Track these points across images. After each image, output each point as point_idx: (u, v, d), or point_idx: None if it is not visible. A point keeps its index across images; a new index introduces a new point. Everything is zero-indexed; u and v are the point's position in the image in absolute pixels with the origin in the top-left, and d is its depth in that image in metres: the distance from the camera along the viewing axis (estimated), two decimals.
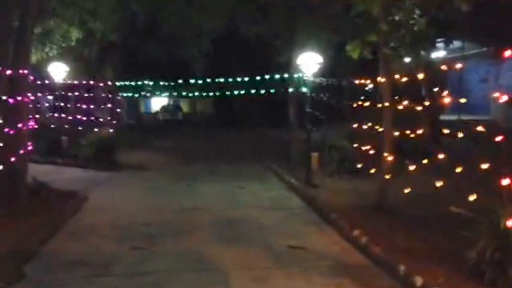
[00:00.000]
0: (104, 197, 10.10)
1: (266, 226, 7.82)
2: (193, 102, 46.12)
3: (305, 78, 11.45)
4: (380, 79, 8.32)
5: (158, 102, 46.96)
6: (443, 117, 16.49)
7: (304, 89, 11.80)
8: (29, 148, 8.96)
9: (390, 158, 8.14)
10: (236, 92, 16.68)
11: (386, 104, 8.37)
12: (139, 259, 6.06)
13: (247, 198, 10.20)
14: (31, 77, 9.44)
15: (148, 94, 20.09)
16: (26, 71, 8.84)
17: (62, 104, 15.68)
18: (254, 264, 5.91)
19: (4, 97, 8.01)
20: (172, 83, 16.07)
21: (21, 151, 8.23)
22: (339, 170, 11.94)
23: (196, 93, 17.91)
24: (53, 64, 15.31)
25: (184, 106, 46.88)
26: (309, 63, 11.15)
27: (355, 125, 10.52)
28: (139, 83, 16.16)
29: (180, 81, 15.52)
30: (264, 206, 9.39)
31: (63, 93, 15.53)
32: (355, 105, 10.57)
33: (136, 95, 18.84)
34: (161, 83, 15.51)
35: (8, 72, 8.02)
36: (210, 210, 8.97)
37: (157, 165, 15.36)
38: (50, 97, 22.60)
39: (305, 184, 10.91)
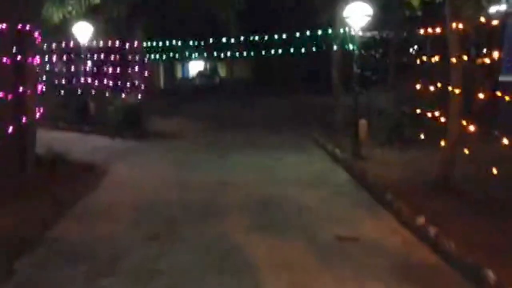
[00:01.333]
0: (126, 170, 9.09)
1: (308, 208, 6.59)
2: (231, 66, 44.80)
3: (352, 33, 9.95)
4: (450, 28, 6.76)
5: (195, 67, 45.94)
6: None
7: (350, 46, 10.29)
8: (37, 114, 7.96)
9: (460, 124, 6.67)
10: (273, 52, 15.17)
11: (453, 59, 6.86)
12: (154, 252, 4.97)
13: (285, 171, 8.97)
14: (37, 36, 8.36)
15: (177, 56, 18.72)
16: (30, 28, 7.75)
17: (88, 67, 14.68)
18: (294, 262, 4.70)
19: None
20: (201, 43, 14.78)
21: (23, 118, 7.21)
22: (391, 140, 10.51)
23: (229, 54, 16.45)
24: (78, 24, 14.28)
25: (222, 70, 45.64)
26: (357, 15, 9.61)
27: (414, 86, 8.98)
28: (168, 44, 14.91)
29: (211, 40, 14.19)
30: (305, 181, 8.14)
31: (88, 55, 14.49)
32: (418, 62, 9.00)
33: (164, 57, 17.56)
34: (191, 43, 14.15)
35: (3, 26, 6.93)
36: (243, 186, 7.80)
37: (189, 133, 14.30)
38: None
39: (352, 155, 9.56)
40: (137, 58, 15.90)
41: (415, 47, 11.92)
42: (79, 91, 14.89)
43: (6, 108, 7.05)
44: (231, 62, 43.00)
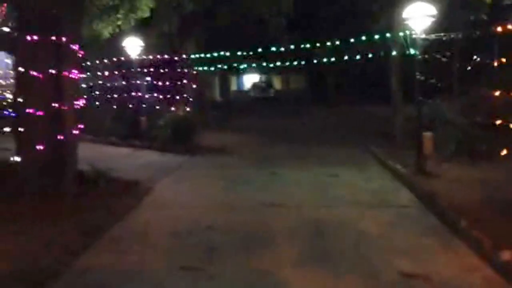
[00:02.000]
0: (170, 188, 8.58)
1: (368, 235, 5.75)
2: (286, 78, 44.34)
3: (414, 36, 9.03)
4: None
5: (250, 79, 45.78)
6: None
7: (411, 51, 9.35)
8: (75, 131, 7.60)
9: None
10: (326, 60, 14.38)
11: None
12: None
13: (341, 190, 8.14)
14: (77, 49, 8.07)
15: (231, 68, 18.27)
16: (67, 40, 7.47)
17: (138, 81, 14.51)
18: None
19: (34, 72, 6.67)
20: (252, 53, 14.24)
21: (60, 135, 6.85)
22: (459, 154, 9.44)
23: (281, 63, 15.81)
24: (128, 39, 14.18)
25: (277, 83, 45.23)
26: (418, 16, 8.71)
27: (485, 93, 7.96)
28: (219, 55, 14.48)
29: (263, 50, 13.62)
30: (363, 202, 7.29)
31: (139, 69, 14.32)
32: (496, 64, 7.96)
33: (217, 69, 17.19)
34: (242, 53, 13.64)
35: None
36: (294, 208, 7.06)
37: (240, 147, 13.72)
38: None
39: (416, 172, 8.61)
40: (186, 70, 15.56)
41: (484, 51, 10.75)
42: (131, 106, 14.72)
43: (40, 124, 6.74)
44: (286, 74, 42.64)
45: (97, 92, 15.98)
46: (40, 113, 6.52)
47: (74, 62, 7.95)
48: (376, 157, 11.00)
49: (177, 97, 13.79)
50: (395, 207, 7.00)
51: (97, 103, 15.96)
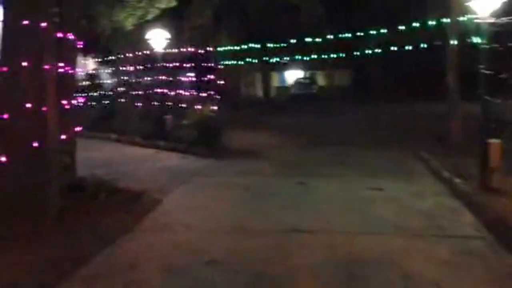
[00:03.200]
0: (181, 202, 7.30)
1: (418, 280, 4.26)
2: (330, 74, 42.42)
3: (478, 20, 7.37)
4: None
5: (293, 76, 44.14)
6: None
7: (474, 39, 7.68)
8: (64, 135, 6.45)
9: None
10: (371, 52, 12.74)
11: None
12: None
13: (384, 210, 6.62)
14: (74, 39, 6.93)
15: (264, 61, 16.83)
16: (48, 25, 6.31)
17: (163, 77, 13.40)
18: None
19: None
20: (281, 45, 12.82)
21: (36, 142, 5.68)
22: None
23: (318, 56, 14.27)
24: (153, 31, 13.08)
25: (321, 79, 43.39)
26: None
27: None
28: (247, 47, 13.15)
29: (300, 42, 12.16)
30: (413, 229, 5.76)
31: (164, 64, 13.21)
32: None
33: (255, 65, 15.86)
34: (270, 45, 12.23)
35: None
36: (322, 234, 5.61)
37: (271, 150, 12.34)
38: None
39: (480, 188, 6.98)
40: (213, 65, 14.33)
41: None
42: (155, 103, 13.64)
43: (15, 127, 5.59)
44: (330, 70, 40.74)
45: (122, 89, 14.99)
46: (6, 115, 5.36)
47: (67, 56, 6.88)
48: (429, 166, 9.37)
49: (204, 94, 12.52)
50: (455, 237, 5.44)
51: (122, 100, 15.01)
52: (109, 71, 15.88)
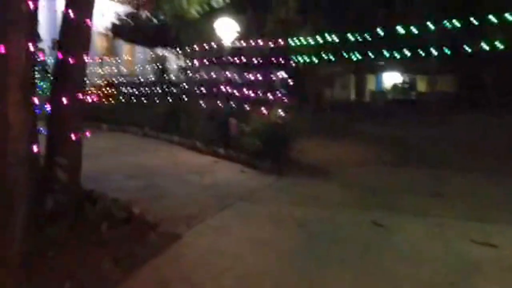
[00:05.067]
0: (205, 242, 5.35)
1: None
2: (433, 79, 38.40)
3: None
4: None
5: (391, 79, 40.70)
6: None
7: None
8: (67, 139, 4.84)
9: None
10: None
11: None
12: None
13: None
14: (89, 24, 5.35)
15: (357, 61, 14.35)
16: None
17: (229, 74, 11.68)
18: None
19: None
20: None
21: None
22: None
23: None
24: (220, 20, 11.39)
25: (422, 84, 39.47)
26: None
27: None
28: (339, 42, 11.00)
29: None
30: None
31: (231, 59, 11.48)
32: None
33: (317, 60, 13.58)
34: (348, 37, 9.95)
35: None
36: None
37: (348, 167, 10.10)
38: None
39: None
40: (289, 62, 12.33)
41: None
42: (220, 104, 11.95)
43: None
44: (433, 75, 36.77)
45: (188, 86, 13.53)
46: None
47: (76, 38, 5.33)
48: None
49: (271, 97, 10.56)
50: None
51: (189, 97, 13.54)
52: (178, 65, 14.54)
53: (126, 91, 16.48)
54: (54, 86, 5.41)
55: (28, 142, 4.14)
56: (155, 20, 18.16)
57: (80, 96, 5.30)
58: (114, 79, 18.34)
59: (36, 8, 4.28)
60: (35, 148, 4.24)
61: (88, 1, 5.45)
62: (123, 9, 22.83)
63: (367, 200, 7.35)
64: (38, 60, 5.78)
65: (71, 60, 5.11)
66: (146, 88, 15.95)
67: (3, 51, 3.82)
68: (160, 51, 23.28)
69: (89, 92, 16.59)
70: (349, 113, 23.13)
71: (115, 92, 16.51)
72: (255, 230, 5.86)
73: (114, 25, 19.34)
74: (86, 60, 5.42)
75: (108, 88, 17.10)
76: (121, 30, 18.93)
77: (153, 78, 15.31)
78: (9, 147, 4.01)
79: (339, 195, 7.70)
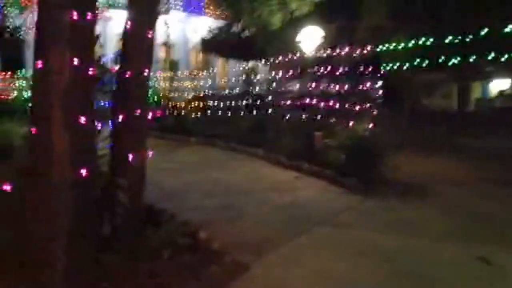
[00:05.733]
0: (274, 276, 4.70)
1: None
2: None
3: None
4: None
5: (498, 86, 37.22)
6: None
7: None
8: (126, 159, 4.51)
9: None
10: None
11: None
12: None
13: None
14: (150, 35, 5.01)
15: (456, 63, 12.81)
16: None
17: (313, 85, 10.99)
18: None
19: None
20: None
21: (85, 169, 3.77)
22: None
23: None
24: (304, 30, 10.78)
25: None
26: None
27: None
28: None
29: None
30: None
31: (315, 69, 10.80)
32: None
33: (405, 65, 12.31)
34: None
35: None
36: None
37: (447, 186, 8.89)
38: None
39: None
40: (376, 71, 11.35)
41: None
42: (304, 117, 11.29)
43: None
44: None
45: (273, 98, 13.04)
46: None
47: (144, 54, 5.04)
48: None
49: (357, 108, 9.66)
50: None
51: (273, 110, 13.06)
52: (261, 76, 14.14)
53: (213, 104, 16.41)
54: (114, 103, 5.11)
55: (76, 165, 3.81)
56: (246, 33, 18.02)
57: (141, 112, 4.93)
58: (203, 93, 18.45)
59: (89, 20, 3.97)
60: (83, 172, 3.88)
61: (151, 13, 5.12)
62: (216, 24, 23.09)
63: (470, 229, 6.25)
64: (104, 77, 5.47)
65: (129, 74, 4.77)
66: (234, 101, 15.74)
67: (40, 66, 3.51)
68: (251, 63, 23.22)
69: (177, 105, 16.78)
70: (451, 124, 21.21)
71: (202, 105, 16.50)
72: (332, 263, 5.09)
73: (203, 40, 19.49)
74: (147, 74, 5.07)
75: (197, 102, 17.16)
76: (209, 45, 19.01)
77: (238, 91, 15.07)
78: (54, 170, 3.69)
79: (436, 221, 6.66)
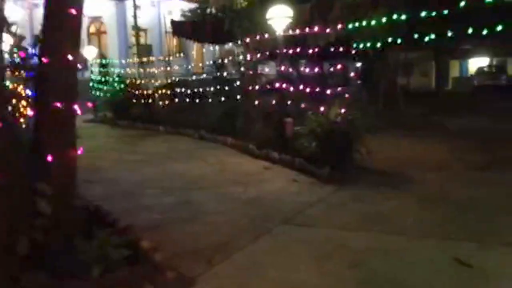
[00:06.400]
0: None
1: None
2: None
3: None
4: None
5: (476, 63, 36.93)
6: None
7: None
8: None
9: None
10: None
11: None
12: None
13: None
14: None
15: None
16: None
17: (282, 67, 10.27)
18: None
19: None
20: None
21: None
22: None
23: None
24: (272, 9, 10.03)
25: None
26: None
27: None
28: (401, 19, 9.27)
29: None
30: None
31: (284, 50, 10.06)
32: None
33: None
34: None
35: None
36: None
37: (425, 173, 8.30)
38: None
39: None
40: (353, 49, 10.65)
41: None
42: (274, 102, 10.61)
43: None
44: None
45: (242, 83, 12.31)
46: None
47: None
48: None
49: (328, 92, 8.98)
50: None
51: (242, 96, 12.32)
52: (230, 60, 13.37)
53: (181, 91, 15.61)
54: (37, 94, 4.34)
55: None
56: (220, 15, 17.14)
57: (65, 105, 4.18)
58: (170, 79, 17.61)
59: None
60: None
61: None
62: (190, 6, 22.04)
63: (449, 223, 5.66)
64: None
65: (47, 60, 4.01)
66: (202, 88, 14.96)
67: None
68: (228, 46, 22.27)
69: (144, 93, 15.95)
70: (428, 104, 20.72)
71: (169, 93, 15.68)
72: (294, 271, 4.43)
73: (172, 22, 18.56)
74: (73, 59, 4.30)
75: (163, 89, 16.33)
76: (180, 28, 18.08)
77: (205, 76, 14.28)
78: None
79: (413, 214, 6.05)
